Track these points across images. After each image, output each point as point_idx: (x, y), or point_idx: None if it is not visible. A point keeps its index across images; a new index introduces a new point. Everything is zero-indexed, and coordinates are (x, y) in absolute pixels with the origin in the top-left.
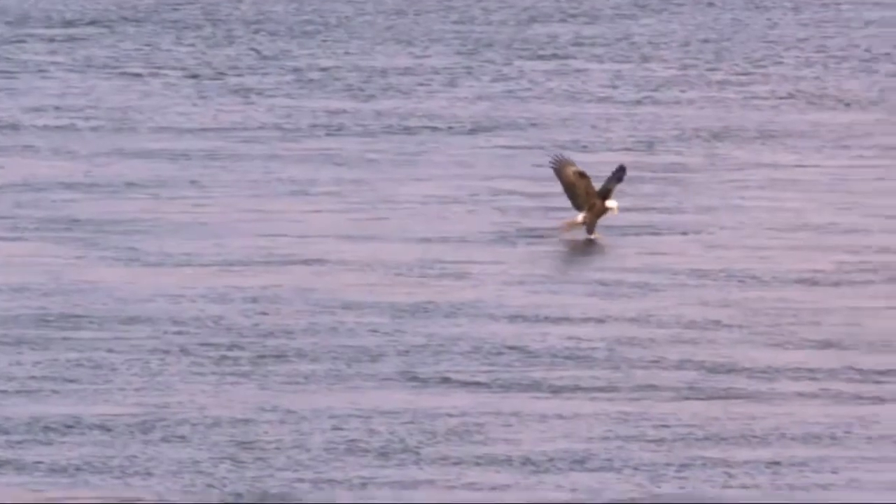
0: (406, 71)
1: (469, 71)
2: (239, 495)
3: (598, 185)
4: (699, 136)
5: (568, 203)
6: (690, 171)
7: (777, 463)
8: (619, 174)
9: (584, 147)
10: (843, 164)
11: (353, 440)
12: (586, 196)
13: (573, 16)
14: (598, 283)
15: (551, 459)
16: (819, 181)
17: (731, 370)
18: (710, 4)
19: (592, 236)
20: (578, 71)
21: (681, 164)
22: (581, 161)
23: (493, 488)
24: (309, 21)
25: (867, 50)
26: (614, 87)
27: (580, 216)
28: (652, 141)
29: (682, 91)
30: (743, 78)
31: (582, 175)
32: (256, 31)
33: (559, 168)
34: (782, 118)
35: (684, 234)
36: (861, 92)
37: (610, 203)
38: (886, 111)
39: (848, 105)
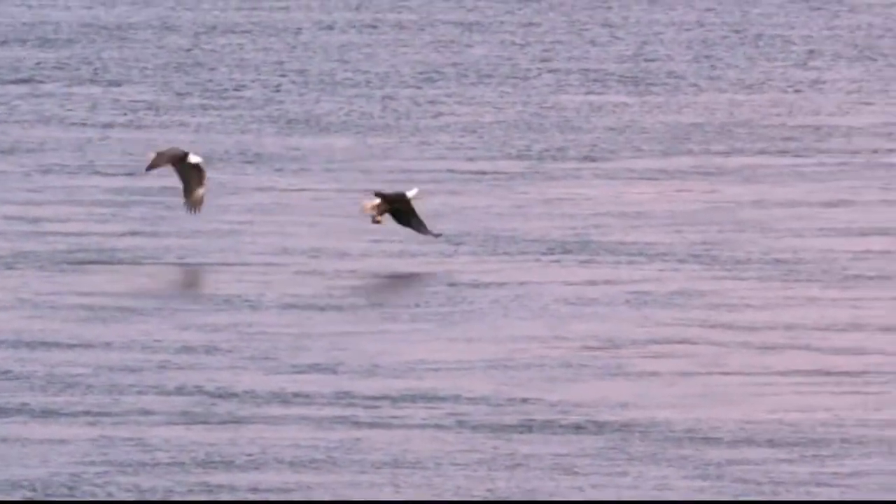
0: None
1: None
2: None
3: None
4: None
5: None
6: (176, 195)
7: (261, 489)
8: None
9: (70, 171)
10: (326, 188)
11: None
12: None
13: (28, 40)
14: (83, 307)
15: (41, 486)
16: (303, 205)
17: (220, 395)
18: (169, 28)
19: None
20: (49, 95)
21: (167, 187)
22: (76, 185)
23: None
24: None
25: (331, 74)
26: (91, 110)
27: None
28: (136, 165)
29: (158, 115)
30: (216, 102)
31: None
32: None
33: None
34: (263, 141)
35: (173, 258)
36: (331, 116)
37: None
38: (357, 137)
39: (325, 129)
